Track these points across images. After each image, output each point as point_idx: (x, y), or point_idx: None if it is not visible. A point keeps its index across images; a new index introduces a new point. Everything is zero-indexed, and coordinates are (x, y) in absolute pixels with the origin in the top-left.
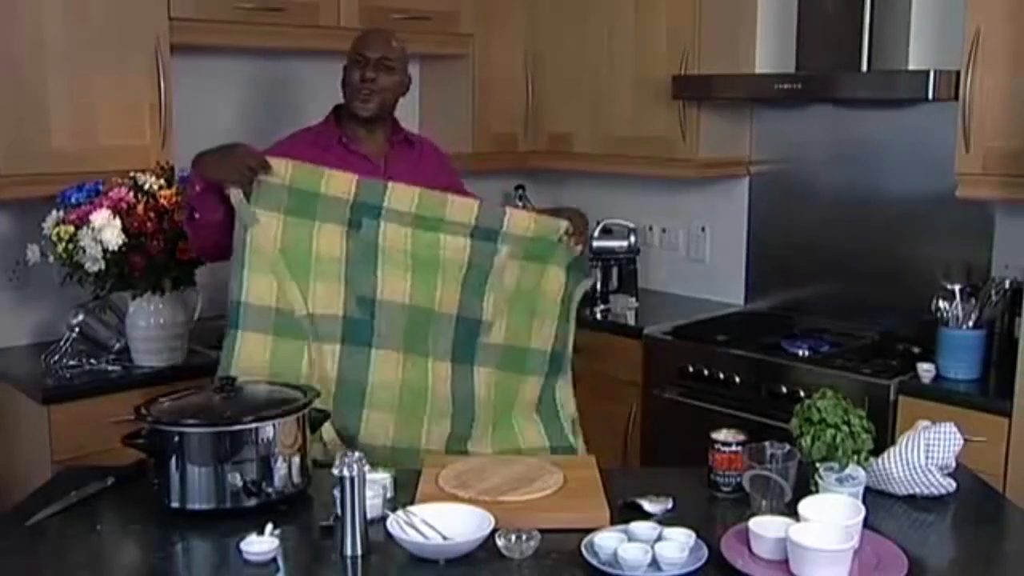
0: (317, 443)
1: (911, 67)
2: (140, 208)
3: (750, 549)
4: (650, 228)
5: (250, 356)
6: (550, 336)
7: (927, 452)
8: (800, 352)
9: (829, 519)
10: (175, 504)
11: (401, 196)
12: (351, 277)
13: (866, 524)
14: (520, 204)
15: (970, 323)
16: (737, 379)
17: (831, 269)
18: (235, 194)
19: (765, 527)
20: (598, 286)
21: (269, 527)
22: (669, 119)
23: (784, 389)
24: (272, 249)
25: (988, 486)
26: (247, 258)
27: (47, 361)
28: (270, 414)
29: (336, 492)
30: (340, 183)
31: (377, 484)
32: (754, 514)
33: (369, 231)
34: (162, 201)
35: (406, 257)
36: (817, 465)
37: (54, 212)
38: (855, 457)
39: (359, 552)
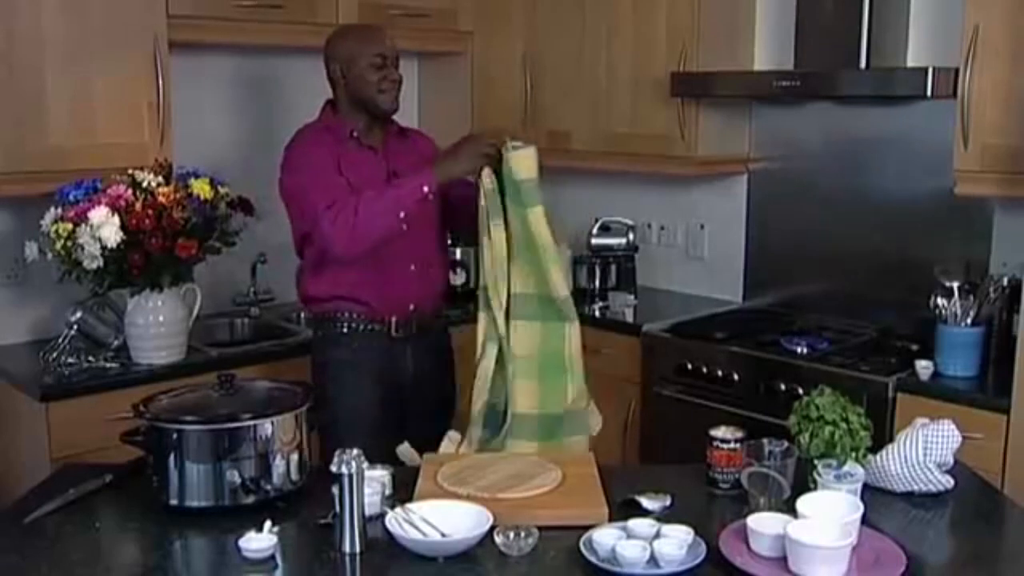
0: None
1: (910, 64)
2: (139, 205)
3: (748, 546)
4: (649, 225)
5: (521, 343)
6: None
7: (925, 449)
8: (799, 349)
9: (827, 516)
10: (173, 501)
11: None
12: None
13: (864, 521)
14: None
15: (968, 320)
16: (736, 376)
17: (829, 266)
18: (487, 178)
19: (763, 524)
20: (597, 283)
21: (268, 524)
22: (668, 116)
23: (783, 386)
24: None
25: (986, 483)
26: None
27: (45, 358)
28: (268, 411)
29: (335, 489)
30: (525, 166)
31: (376, 481)
32: (752, 511)
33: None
34: (160, 199)
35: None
36: (815, 462)
37: (52, 209)
38: (853, 454)
39: (358, 549)
